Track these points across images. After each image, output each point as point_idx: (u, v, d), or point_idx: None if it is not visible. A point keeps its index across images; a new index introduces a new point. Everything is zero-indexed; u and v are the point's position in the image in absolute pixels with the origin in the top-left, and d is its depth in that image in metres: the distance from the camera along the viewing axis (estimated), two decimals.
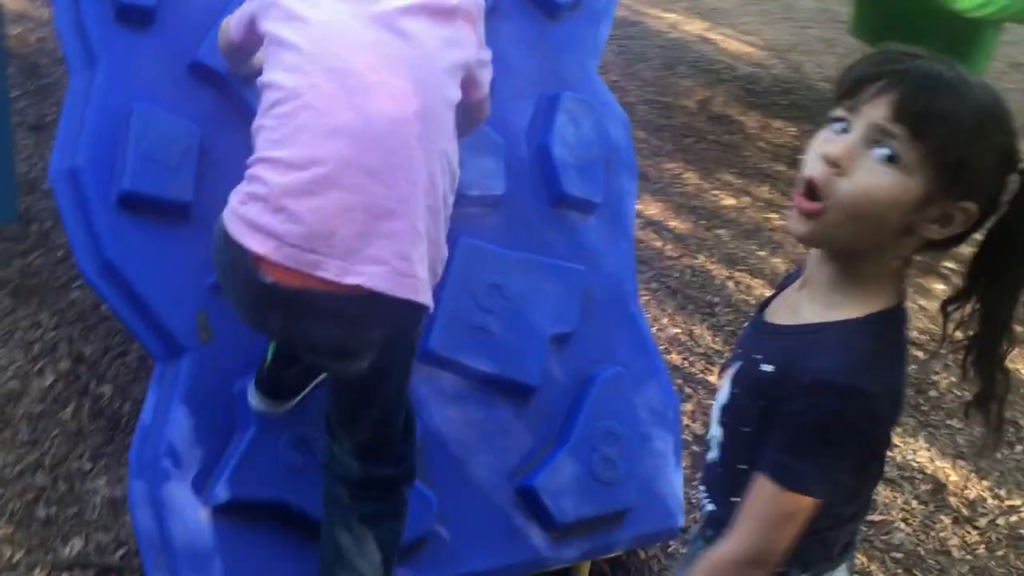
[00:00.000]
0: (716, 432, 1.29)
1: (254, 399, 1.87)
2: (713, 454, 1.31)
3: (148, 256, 1.90)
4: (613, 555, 2.22)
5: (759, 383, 1.19)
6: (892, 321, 1.15)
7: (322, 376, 1.89)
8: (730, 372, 1.27)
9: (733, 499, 1.21)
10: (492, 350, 2.10)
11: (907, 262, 1.18)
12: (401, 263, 1.53)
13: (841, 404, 1.09)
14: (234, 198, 1.60)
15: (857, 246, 1.13)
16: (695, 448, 2.72)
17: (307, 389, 1.92)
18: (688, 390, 2.96)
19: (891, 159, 1.07)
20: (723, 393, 1.27)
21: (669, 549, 2.40)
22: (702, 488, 1.36)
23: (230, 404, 1.91)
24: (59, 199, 1.91)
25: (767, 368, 1.18)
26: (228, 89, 2.05)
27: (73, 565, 1.99)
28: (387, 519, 1.74)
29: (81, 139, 1.91)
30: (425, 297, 1.58)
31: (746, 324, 1.45)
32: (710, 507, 1.33)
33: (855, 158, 1.08)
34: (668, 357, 3.08)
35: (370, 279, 1.51)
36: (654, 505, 2.20)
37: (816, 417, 1.10)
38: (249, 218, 1.54)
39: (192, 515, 1.81)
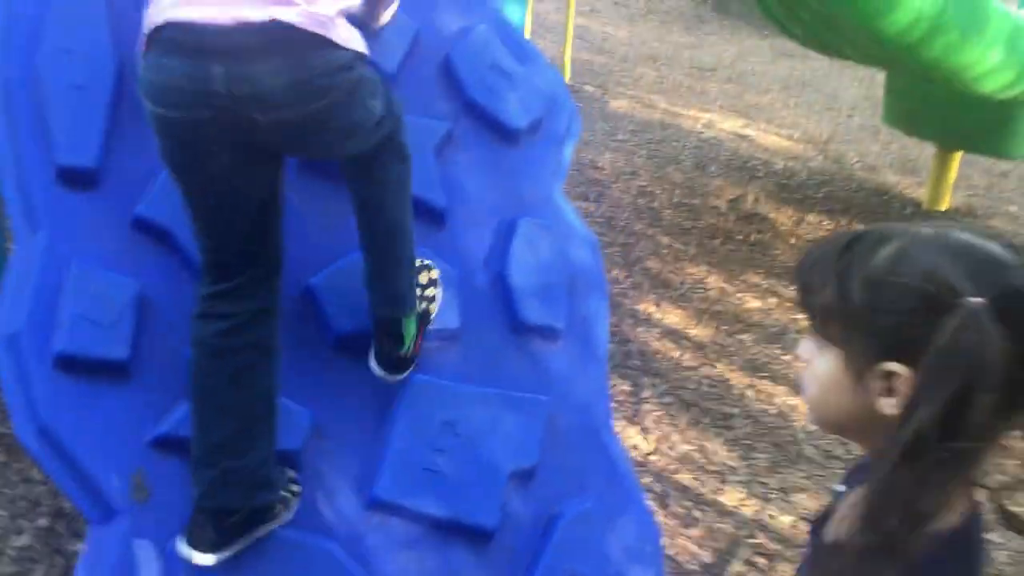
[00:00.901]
0: None
1: (185, 551, 1.82)
2: None
3: (83, 417, 1.89)
4: None
5: (821, 553, 1.08)
6: (965, 544, 0.96)
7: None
8: None
9: None
10: (444, 493, 2.01)
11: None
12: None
13: None
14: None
15: (858, 440, 1.04)
16: None
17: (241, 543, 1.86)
18: (696, 514, 2.79)
19: (820, 340, 1.01)
20: None
21: None
22: None
23: (167, 564, 1.85)
24: (0, 365, 1.92)
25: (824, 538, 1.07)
26: (171, 240, 2.07)
27: None
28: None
29: (21, 303, 1.93)
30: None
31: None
32: None
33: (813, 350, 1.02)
34: (676, 477, 2.92)
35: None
36: None
37: None
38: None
39: None
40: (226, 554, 1.84)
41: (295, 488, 1.94)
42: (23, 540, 2.42)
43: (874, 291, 0.93)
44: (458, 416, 2.09)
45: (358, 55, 1.77)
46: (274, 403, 1.88)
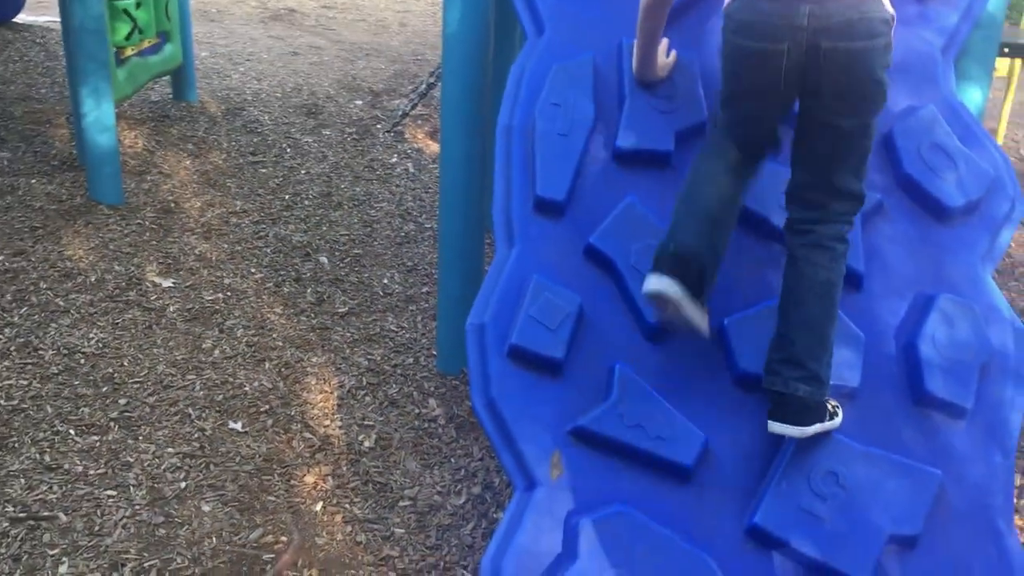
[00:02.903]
0: None
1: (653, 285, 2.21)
2: None
3: (522, 400, 2.30)
4: None
5: None
6: None
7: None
8: None
9: None
10: (819, 537, 2.12)
11: None
12: None
13: None
14: None
15: None
16: None
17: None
18: None
19: None
20: None
21: None
22: None
23: (566, 535, 2.18)
24: (468, 346, 2.41)
25: None
26: (613, 267, 2.43)
27: None
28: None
29: (490, 301, 2.41)
30: None
31: None
32: None
33: None
34: None
35: None
36: None
37: None
38: None
39: None
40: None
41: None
42: (459, 500, 2.93)
43: None
44: (845, 469, 2.18)
45: (890, 19, 2.15)
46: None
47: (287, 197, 4.97)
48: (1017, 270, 4.78)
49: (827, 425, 2.17)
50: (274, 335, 3.69)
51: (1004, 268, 4.79)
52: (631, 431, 2.22)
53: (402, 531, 2.76)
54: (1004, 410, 2.30)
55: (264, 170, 5.27)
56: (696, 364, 2.34)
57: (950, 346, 2.30)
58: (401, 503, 2.88)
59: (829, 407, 2.19)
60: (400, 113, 6.10)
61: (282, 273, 4.19)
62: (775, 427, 2.17)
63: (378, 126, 6.17)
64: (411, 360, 3.64)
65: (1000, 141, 6.27)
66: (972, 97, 2.91)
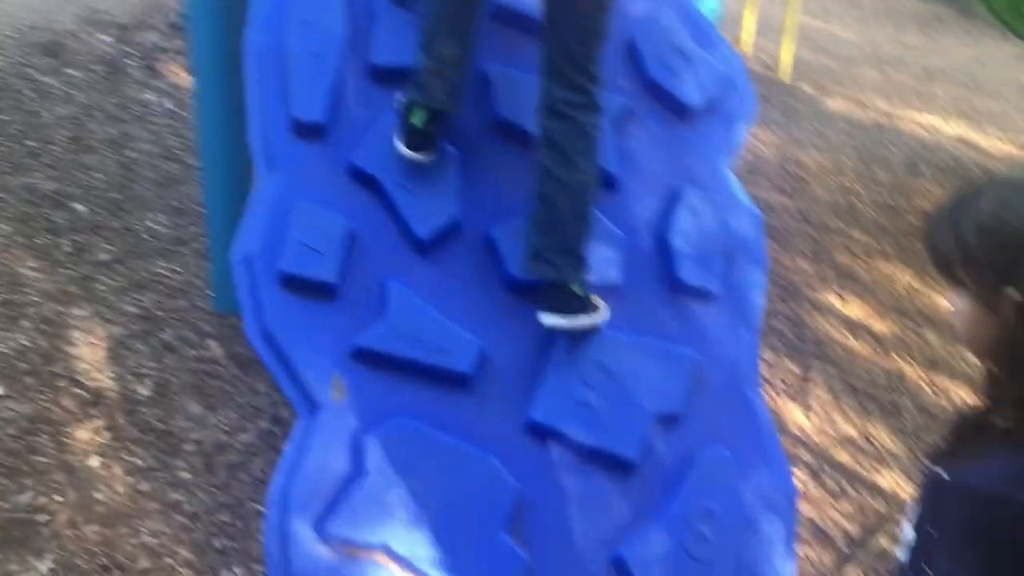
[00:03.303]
0: (908, 534, 1.32)
1: (405, 153, 2.36)
2: (903, 556, 1.33)
3: (298, 327, 2.27)
4: None
5: (937, 487, 1.23)
6: None
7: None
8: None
9: None
10: (592, 424, 2.25)
11: None
12: None
13: (989, 512, 1.12)
14: None
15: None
16: (842, 548, 2.64)
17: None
18: (849, 490, 2.88)
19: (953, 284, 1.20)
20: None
21: None
22: None
23: (353, 454, 2.20)
24: (237, 279, 2.35)
25: (943, 473, 1.21)
26: (378, 186, 2.43)
27: None
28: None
29: (256, 230, 2.35)
30: None
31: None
32: None
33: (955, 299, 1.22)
34: (834, 454, 3.01)
35: None
36: None
37: (966, 525, 1.14)
38: None
39: (311, 547, 2.10)
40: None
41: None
42: (248, 437, 2.88)
43: (988, 236, 1.13)
44: (611, 359, 2.32)
45: None
46: None
47: (31, 143, 4.59)
48: (765, 167, 5.17)
49: (595, 318, 2.29)
50: (28, 290, 3.44)
51: (753, 166, 5.17)
52: (409, 345, 2.26)
53: (188, 475, 2.70)
54: (748, 291, 2.51)
55: (2, 117, 4.84)
56: (468, 275, 2.40)
57: (698, 237, 2.47)
58: (185, 447, 2.81)
59: (594, 302, 2.30)
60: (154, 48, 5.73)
61: (33, 225, 3.89)
62: (548, 319, 2.26)
63: (129, 62, 5.77)
64: (186, 303, 3.51)
65: (749, 51, 6.69)
66: (708, 4, 3.09)
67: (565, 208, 2.25)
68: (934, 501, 1.22)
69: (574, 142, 2.26)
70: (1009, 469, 1.11)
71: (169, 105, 5.27)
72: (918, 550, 1.27)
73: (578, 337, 2.31)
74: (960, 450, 1.19)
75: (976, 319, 1.16)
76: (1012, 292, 1.10)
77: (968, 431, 1.17)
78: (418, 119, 2.34)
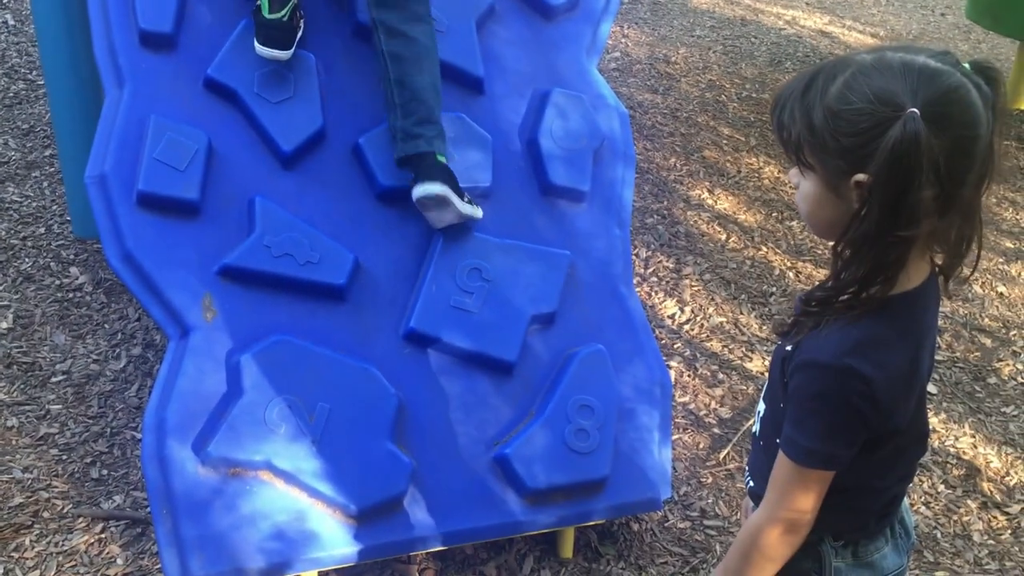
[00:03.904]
0: (760, 407, 1.38)
1: (263, 52, 2.29)
2: (755, 428, 1.40)
3: (161, 247, 2.20)
4: (595, 523, 2.32)
5: (783, 361, 1.28)
6: (905, 304, 1.19)
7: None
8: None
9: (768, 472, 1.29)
10: (471, 329, 2.27)
11: (926, 246, 1.19)
12: None
13: (828, 382, 1.17)
14: None
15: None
16: (716, 431, 2.77)
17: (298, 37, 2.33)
18: (722, 376, 3.00)
19: (800, 167, 1.20)
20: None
21: (667, 523, 2.47)
22: (746, 467, 1.45)
23: (229, 374, 2.17)
24: (92, 201, 2.24)
25: (787, 346, 1.27)
26: (237, 99, 2.34)
27: (109, 517, 2.31)
28: None
29: (108, 149, 2.24)
30: None
31: None
32: (751, 483, 1.41)
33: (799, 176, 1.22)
34: (707, 344, 3.13)
35: None
36: (634, 477, 2.29)
37: (807, 393, 1.20)
38: None
39: (191, 470, 2.08)
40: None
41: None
42: (120, 364, 2.80)
43: (834, 119, 1.13)
44: (486, 263, 2.33)
45: None
46: None
47: None
48: (635, 66, 5.19)
49: (471, 210, 2.28)
50: None
51: (623, 66, 5.19)
52: (280, 261, 2.21)
53: (59, 407, 2.61)
54: (617, 187, 2.54)
55: None
56: (337, 187, 2.35)
57: (566, 137, 2.48)
58: (54, 379, 2.71)
59: (467, 199, 2.30)
60: None
61: None
62: (420, 189, 2.22)
63: None
64: (43, 230, 3.34)
65: None
66: None
67: (419, 82, 2.26)
68: (780, 373, 1.28)
69: (410, 24, 2.28)
70: (848, 341, 1.17)
71: (8, 19, 4.91)
72: (767, 420, 1.34)
73: (452, 241, 2.31)
74: (804, 325, 1.24)
75: (821, 200, 1.17)
76: (859, 175, 1.11)
77: (812, 307, 1.22)
78: (272, 11, 2.25)
